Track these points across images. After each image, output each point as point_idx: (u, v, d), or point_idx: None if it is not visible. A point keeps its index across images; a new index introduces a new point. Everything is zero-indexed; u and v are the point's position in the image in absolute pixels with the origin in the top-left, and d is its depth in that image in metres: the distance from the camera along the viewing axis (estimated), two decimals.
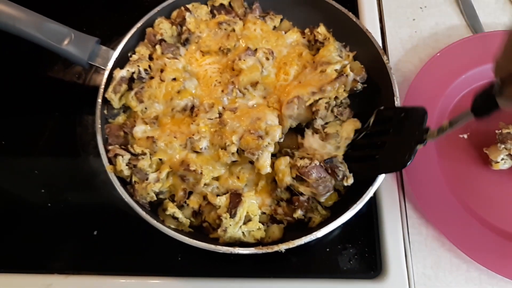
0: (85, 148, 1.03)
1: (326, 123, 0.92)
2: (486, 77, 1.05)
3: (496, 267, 0.87)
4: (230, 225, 0.82)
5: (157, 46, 0.97)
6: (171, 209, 0.85)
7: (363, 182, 0.86)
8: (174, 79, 0.92)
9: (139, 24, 0.99)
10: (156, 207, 0.89)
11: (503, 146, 0.91)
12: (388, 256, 0.90)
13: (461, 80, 1.04)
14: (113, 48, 0.97)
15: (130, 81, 0.94)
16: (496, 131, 0.94)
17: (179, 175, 0.87)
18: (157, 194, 0.87)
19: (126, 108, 0.96)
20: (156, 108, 0.91)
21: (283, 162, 0.87)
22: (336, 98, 0.92)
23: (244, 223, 0.84)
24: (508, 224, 0.92)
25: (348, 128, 0.90)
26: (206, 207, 0.88)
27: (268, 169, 0.86)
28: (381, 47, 0.96)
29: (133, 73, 0.93)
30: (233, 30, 0.99)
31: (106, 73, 0.94)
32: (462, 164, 0.98)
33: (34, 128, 1.07)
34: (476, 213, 0.93)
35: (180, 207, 0.88)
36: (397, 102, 0.90)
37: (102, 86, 0.93)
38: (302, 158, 0.86)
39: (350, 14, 1.00)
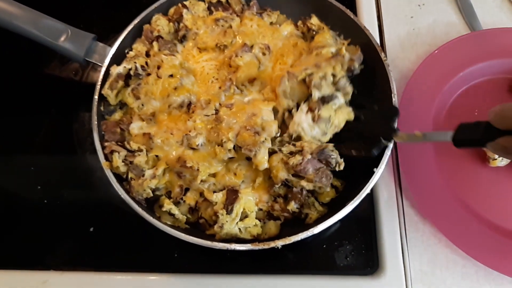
0: (81, 144, 1.03)
1: (323, 103, 0.87)
2: (484, 75, 1.06)
3: (492, 263, 0.86)
4: (227, 221, 0.82)
5: (154, 43, 0.97)
6: (168, 205, 0.85)
7: (360, 178, 0.86)
8: (171, 75, 0.91)
9: (136, 21, 0.99)
10: (152, 203, 0.88)
11: None
12: (385, 253, 0.90)
13: (459, 78, 1.04)
14: (110, 45, 0.96)
15: (127, 77, 0.94)
16: None
17: (175, 171, 0.87)
18: (153, 191, 0.87)
19: (122, 105, 0.95)
20: (152, 104, 0.91)
21: (275, 158, 0.86)
22: (333, 76, 0.89)
23: (241, 220, 0.84)
24: (505, 221, 0.92)
25: (341, 117, 0.88)
26: (202, 203, 0.87)
27: (266, 165, 0.86)
28: (379, 44, 0.96)
29: (129, 69, 0.93)
30: (230, 26, 0.99)
31: (103, 69, 0.94)
32: (460, 161, 0.98)
33: (30, 125, 1.07)
34: (473, 210, 0.92)
35: (177, 203, 0.88)
36: (395, 99, 0.90)
37: (99, 83, 0.92)
38: (291, 153, 0.86)
39: (348, 12, 0.99)
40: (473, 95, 1.04)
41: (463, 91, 1.05)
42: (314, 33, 1.01)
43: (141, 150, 0.86)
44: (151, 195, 0.86)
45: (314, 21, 1.02)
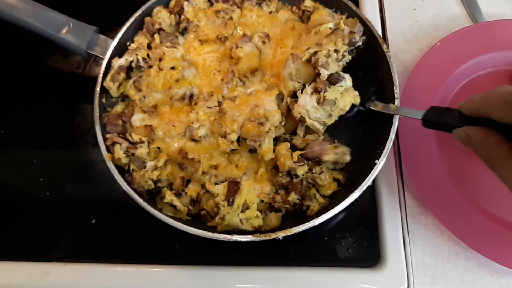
0: (83, 137, 1.04)
1: (330, 84, 0.87)
2: (487, 67, 1.06)
3: (494, 256, 0.86)
4: (228, 213, 0.82)
5: (156, 35, 0.97)
6: (169, 197, 0.85)
7: (362, 171, 0.86)
8: (173, 68, 0.92)
9: (137, 13, 0.99)
10: (154, 195, 0.89)
11: None
12: (387, 245, 0.90)
13: (461, 70, 1.04)
14: (112, 37, 0.96)
15: (129, 70, 0.94)
16: None
17: (177, 163, 0.87)
18: (155, 183, 0.87)
19: (124, 97, 0.96)
20: (154, 96, 0.91)
21: (284, 147, 0.87)
22: (336, 51, 0.88)
23: (242, 211, 0.84)
24: (507, 214, 0.91)
25: (347, 100, 0.88)
26: (204, 195, 0.87)
27: (271, 155, 0.86)
28: (381, 37, 0.95)
29: (131, 62, 0.93)
30: (231, 18, 0.98)
31: (105, 62, 0.94)
32: (462, 153, 0.97)
33: (33, 118, 1.08)
34: (476, 202, 0.92)
35: (178, 195, 0.88)
36: (397, 91, 0.89)
37: (101, 75, 0.93)
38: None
39: (350, 3, 0.99)
40: (475, 87, 1.04)
41: (466, 83, 1.05)
42: (309, 13, 1.00)
43: (142, 142, 0.86)
44: (153, 186, 0.86)
45: (308, 3, 1.01)
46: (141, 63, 0.93)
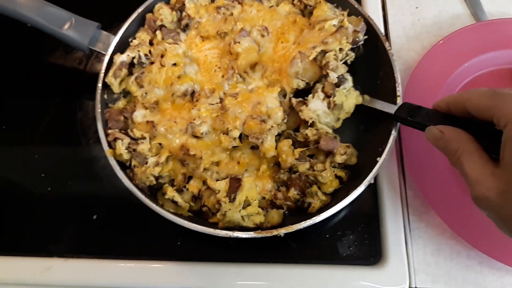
0: (85, 133, 1.04)
1: (337, 87, 0.88)
2: (490, 65, 1.05)
3: (497, 255, 0.86)
4: (230, 209, 0.82)
5: (157, 32, 0.97)
6: (171, 193, 0.85)
7: (364, 168, 0.85)
8: (175, 64, 0.92)
9: (139, 10, 0.99)
10: (155, 191, 0.89)
11: None
12: (388, 243, 0.90)
13: (464, 68, 1.03)
14: (114, 34, 0.96)
15: (131, 66, 0.94)
16: None
17: (179, 159, 0.87)
18: (156, 179, 0.87)
19: (126, 93, 0.96)
20: (156, 93, 0.91)
21: (286, 143, 0.87)
22: (340, 50, 0.89)
23: (244, 208, 0.84)
24: None
25: (351, 103, 0.89)
26: (205, 191, 0.87)
27: (274, 152, 0.86)
28: (383, 34, 0.95)
29: (133, 58, 0.93)
30: (231, 14, 0.98)
31: (107, 58, 0.94)
32: None
33: (34, 113, 1.08)
34: None
35: (180, 191, 0.88)
36: (399, 89, 0.89)
37: (103, 71, 0.93)
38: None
39: (352, 1, 0.99)
40: (477, 86, 1.03)
41: (468, 82, 1.04)
42: (311, 8, 1.00)
43: (144, 138, 0.86)
44: (154, 182, 0.86)
45: None
46: (143, 59, 0.93)
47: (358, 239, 0.92)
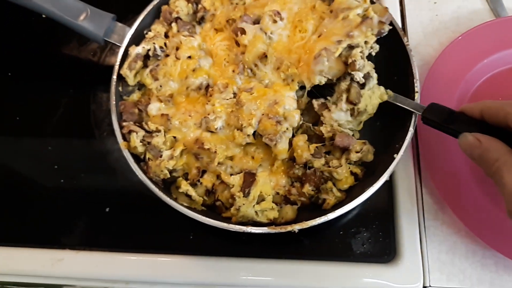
0: (99, 125, 1.04)
1: (362, 87, 0.86)
2: (509, 62, 1.04)
3: None
4: (243, 204, 0.81)
5: (173, 24, 0.96)
6: (185, 187, 0.85)
7: (380, 165, 0.84)
8: (190, 57, 0.91)
9: (155, 2, 0.98)
10: (169, 185, 0.88)
11: None
12: (403, 241, 0.89)
13: (483, 65, 1.02)
14: (129, 25, 0.96)
15: (146, 58, 0.94)
16: None
17: (193, 153, 0.86)
18: (170, 172, 0.86)
19: (141, 86, 0.95)
20: (171, 86, 0.90)
21: (302, 138, 0.86)
22: (366, 43, 0.86)
23: (258, 203, 0.83)
24: None
25: (375, 103, 0.87)
26: (219, 186, 0.87)
27: (286, 155, 0.86)
28: (401, 29, 0.94)
29: (148, 50, 0.93)
30: (244, 3, 0.97)
31: (122, 50, 0.94)
32: None
33: (48, 105, 1.08)
34: (496, 199, 0.90)
35: (193, 185, 0.87)
36: (417, 85, 0.88)
37: (117, 63, 0.92)
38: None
39: (368, 3, 0.97)
40: (496, 83, 1.02)
41: (487, 79, 1.02)
42: None
43: (159, 131, 0.86)
44: (168, 176, 0.86)
45: None
46: (158, 51, 0.93)
47: (373, 237, 0.91)
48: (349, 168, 0.87)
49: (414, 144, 0.98)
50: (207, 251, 0.91)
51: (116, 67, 0.92)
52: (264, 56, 0.89)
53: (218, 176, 0.87)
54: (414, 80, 0.88)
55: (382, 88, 0.88)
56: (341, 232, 0.92)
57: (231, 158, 0.88)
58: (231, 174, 0.86)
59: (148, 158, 0.85)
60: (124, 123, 0.87)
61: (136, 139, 0.84)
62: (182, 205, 0.82)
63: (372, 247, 0.90)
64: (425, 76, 0.99)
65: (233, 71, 0.91)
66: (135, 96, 0.94)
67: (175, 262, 0.89)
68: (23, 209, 0.98)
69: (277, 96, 0.86)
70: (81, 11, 0.94)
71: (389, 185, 0.94)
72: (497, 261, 0.89)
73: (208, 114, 0.86)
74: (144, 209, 0.94)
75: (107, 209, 0.95)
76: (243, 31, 0.89)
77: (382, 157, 0.86)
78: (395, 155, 0.83)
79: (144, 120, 0.89)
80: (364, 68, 0.85)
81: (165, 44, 0.94)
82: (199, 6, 0.98)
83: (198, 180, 0.87)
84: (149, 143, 0.85)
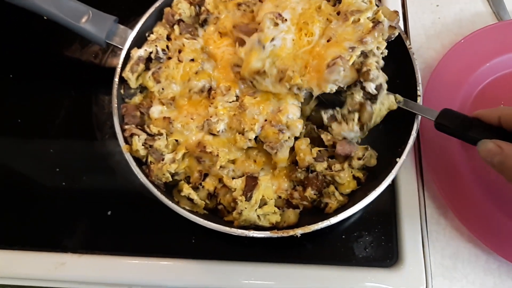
0: (100, 128, 1.03)
1: (373, 99, 0.83)
2: (511, 66, 1.03)
3: None
4: (245, 208, 0.81)
5: (175, 26, 0.96)
6: (186, 190, 0.84)
7: (382, 169, 0.84)
8: (192, 60, 0.91)
9: (157, 4, 0.98)
10: (171, 188, 0.88)
11: None
12: (405, 245, 0.89)
13: (485, 68, 1.02)
14: (131, 28, 0.95)
15: (148, 61, 0.93)
16: None
17: (195, 156, 0.86)
18: (172, 175, 0.86)
19: (143, 88, 0.94)
20: (173, 88, 0.90)
21: (304, 142, 0.86)
22: (377, 48, 0.83)
23: (260, 207, 0.83)
24: None
25: (383, 114, 0.85)
26: (221, 189, 0.87)
27: (285, 163, 0.86)
28: (404, 32, 0.93)
29: (150, 53, 0.92)
30: (252, 11, 0.97)
31: (124, 52, 0.93)
32: None
33: (50, 107, 1.07)
34: (499, 203, 0.90)
35: (195, 188, 0.87)
36: (419, 89, 0.88)
37: (119, 65, 0.92)
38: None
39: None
40: (499, 87, 1.02)
41: (489, 82, 1.02)
42: None
43: (161, 134, 0.85)
44: (170, 179, 0.85)
45: None
46: (160, 54, 0.92)
47: (375, 241, 0.91)
48: (352, 172, 0.87)
49: (417, 148, 0.97)
50: (209, 255, 0.90)
51: (118, 70, 0.91)
52: (262, 71, 0.84)
53: (220, 180, 0.87)
54: (417, 84, 0.88)
55: (391, 96, 0.86)
56: (343, 236, 0.91)
57: (233, 162, 0.88)
58: (233, 178, 0.86)
59: (150, 162, 0.85)
60: (126, 126, 0.87)
61: (138, 143, 0.84)
62: (184, 208, 0.81)
63: (374, 251, 0.90)
64: (427, 79, 0.99)
65: (235, 76, 0.90)
66: (137, 98, 0.93)
67: (177, 266, 0.89)
68: (25, 212, 0.98)
69: (281, 103, 0.85)
70: (83, 13, 0.94)
71: (392, 189, 0.94)
72: (500, 265, 0.88)
73: (211, 117, 0.86)
74: (146, 213, 0.94)
75: (109, 212, 0.95)
76: (242, 42, 0.87)
77: (385, 161, 0.86)
78: (397, 159, 0.82)
79: (146, 123, 0.89)
80: (377, 79, 0.82)
81: (167, 46, 0.93)
82: (202, 8, 0.97)
83: (200, 184, 0.87)
84: (151, 146, 0.85)
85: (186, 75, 0.89)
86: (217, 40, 0.95)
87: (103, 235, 0.94)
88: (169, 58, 0.92)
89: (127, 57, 0.93)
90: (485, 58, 1.02)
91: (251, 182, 0.83)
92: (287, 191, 0.88)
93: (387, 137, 0.90)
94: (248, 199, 0.82)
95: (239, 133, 0.85)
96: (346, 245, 0.91)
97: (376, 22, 0.82)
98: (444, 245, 0.91)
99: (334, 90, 0.82)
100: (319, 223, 0.79)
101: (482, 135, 0.72)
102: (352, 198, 0.86)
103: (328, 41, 0.82)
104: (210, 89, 0.90)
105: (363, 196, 0.81)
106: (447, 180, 0.91)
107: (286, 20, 0.84)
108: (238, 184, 0.84)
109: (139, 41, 0.95)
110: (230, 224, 0.83)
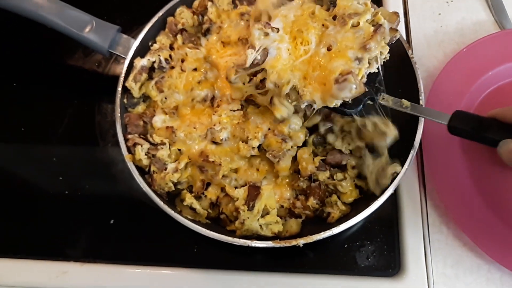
0: (103, 136, 1.04)
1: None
2: None
3: None
4: (248, 217, 0.81)
5: (178, 36, 0.96)
6: (189, 199, 0.85)
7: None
8: (195, 69, 0.91)
9: (160, 13, 0.99)
10: (173, 197, 0.88)
11: None
12: (408, 254, 0.89)
13: (488, 77, 1.02)
14: (134, 37, 0.96)
15: (151, 70, 0.94)
16: None
17: (197, 166, 0.86)
18: (175, 185, 0.86)
19: (146, 98, 0.95)
20: (176, 98, 0.91)
21: (307, 151, 0.86)
22: (380, 53, 0.77)
23: (262, 216, 0.83)
24: None
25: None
26: (223, 199, 0.87)
27: (287, 172, 0.87)
28: (406, 41, 0.93)
29: (153, 62, 0.93)
30: None
31: (127, 61, 0.94)
32: (489, 161, 0.94)
33: (53, 116, 1.08)
34: (501, 213, 0.90)
35: (198, 198, 0.87)
36: (422, 98, 0.88)
37: (123, 75, 0.92)
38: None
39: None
40: (502, 95, 1.02)
41: (492, 91, 1.02)
42: None
43: (164, 144, 0.86)
44: (173, 189, 0.86)
45: None
46: (163, 63, 0.93)
47: (377, 250, 0.90)
48: (354, 181, 0.87)
49: (419, 156, 0.97)
50: (211, 264, 0.90)
51: (121, 79, 0.92)
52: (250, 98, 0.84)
53: (223, 189, 0.87)
54: (419, 93, 0.88)
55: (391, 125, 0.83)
56: (345, 246, 0.91)
57: (236, 171, 0.88)
58: (235, 187, 0.86)
59: (153, 171, 0.85)
60: (129, 136, 0.87)
61: (141, 152, 0.84)
62: (186, 218, 0.82)
63: (376, 260, 0.90)
64: (429, 88, 0.99)
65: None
66: (140, 108, 0.94)
67: (179, 275, 0.89)
68: (28, 220, 0.98)
69: None
70: (86, 23, 0.94)
71: (394, 198, 0.94)
72: (502, 275, 0.88)
73: (214, 125, 0.86)
74: (148, 221, 0.94)
75: (112, 221, 0.95)
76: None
77: None
78: (400, 168, 0.82)
79: (149, 132, 0.90)
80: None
81: (170, 56, 0.94)
82: (205, 18, 0.98)
83: (203, 193, 0.88)
84: (154, 155, 0.85)
85: (189, 85, 0.90)
86: (220, 49, 0.96)
87: (105, 243, 0.95)
88: (172, 67, 0.93)
89: (130, 66, 0.93)
90: (488, 67, 1.02)
91: (254, 191, 0.83)
92: (289, 200, 0.88)
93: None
94: (251, 208, 0.82)
95: (242, 141, 0.85)
96: (348, 254, 0.91)
97: (377, 25, 0.77)
98: (446, 254, 0.90)
99: (339, 104, 0.77)
100: (321, 233, 0.79)
101: (502, 135, 0.70)
102: (355, 207, 0.86)
103: (328, 49, 0.77)
104: (213, 98, 0.90)
105: (365, 205, 0.81)
106: (449, 189, 0.91)
107: (278, 30, 0.78)
108: (240, 193, 0.84)
109: (142, 51, 0.95)
110: (232, 233, 0.83)
